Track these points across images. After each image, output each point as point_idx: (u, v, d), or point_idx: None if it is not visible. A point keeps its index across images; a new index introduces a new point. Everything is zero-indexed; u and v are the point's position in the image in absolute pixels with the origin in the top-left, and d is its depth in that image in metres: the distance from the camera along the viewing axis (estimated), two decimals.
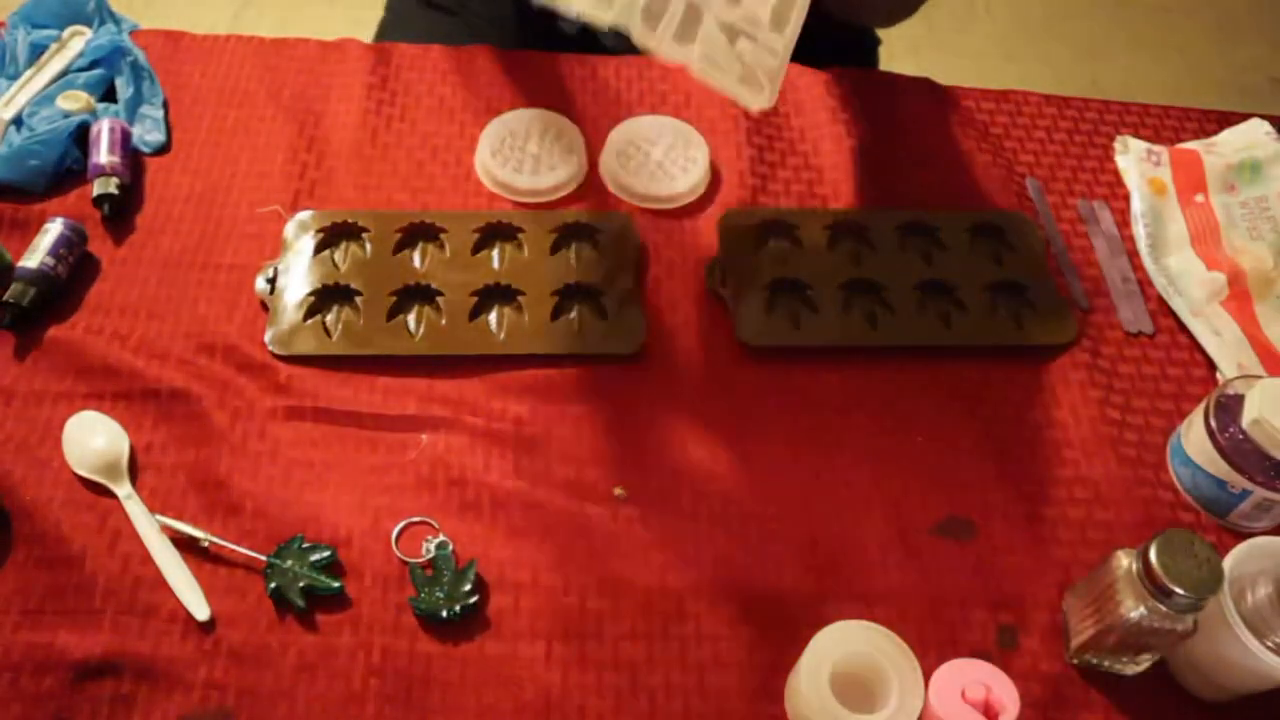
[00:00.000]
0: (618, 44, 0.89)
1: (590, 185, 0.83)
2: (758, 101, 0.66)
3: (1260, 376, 0.69)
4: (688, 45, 0.65)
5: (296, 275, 0.75)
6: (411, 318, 0.74)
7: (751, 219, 0.81)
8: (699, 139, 0.85)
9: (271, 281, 0.75)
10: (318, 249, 0.77)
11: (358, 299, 0.75)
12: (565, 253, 0.78)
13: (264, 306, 0.74)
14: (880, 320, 0.76)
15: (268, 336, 0.72)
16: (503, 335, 0.74)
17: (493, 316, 0.75)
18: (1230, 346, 0.77)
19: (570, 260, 0.78)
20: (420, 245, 0.78)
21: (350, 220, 0.78)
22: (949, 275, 0.78)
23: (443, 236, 0.78)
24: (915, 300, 0.77)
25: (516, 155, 0.82)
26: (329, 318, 0.74)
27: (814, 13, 0.69)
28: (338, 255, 0.77)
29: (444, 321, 0.74)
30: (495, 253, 0.78)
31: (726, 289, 0.77)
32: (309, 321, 0.73)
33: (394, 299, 0.74)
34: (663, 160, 0.84)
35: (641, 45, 0.65)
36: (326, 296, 0.75)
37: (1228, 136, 0.90)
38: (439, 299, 0.75)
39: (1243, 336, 0.77)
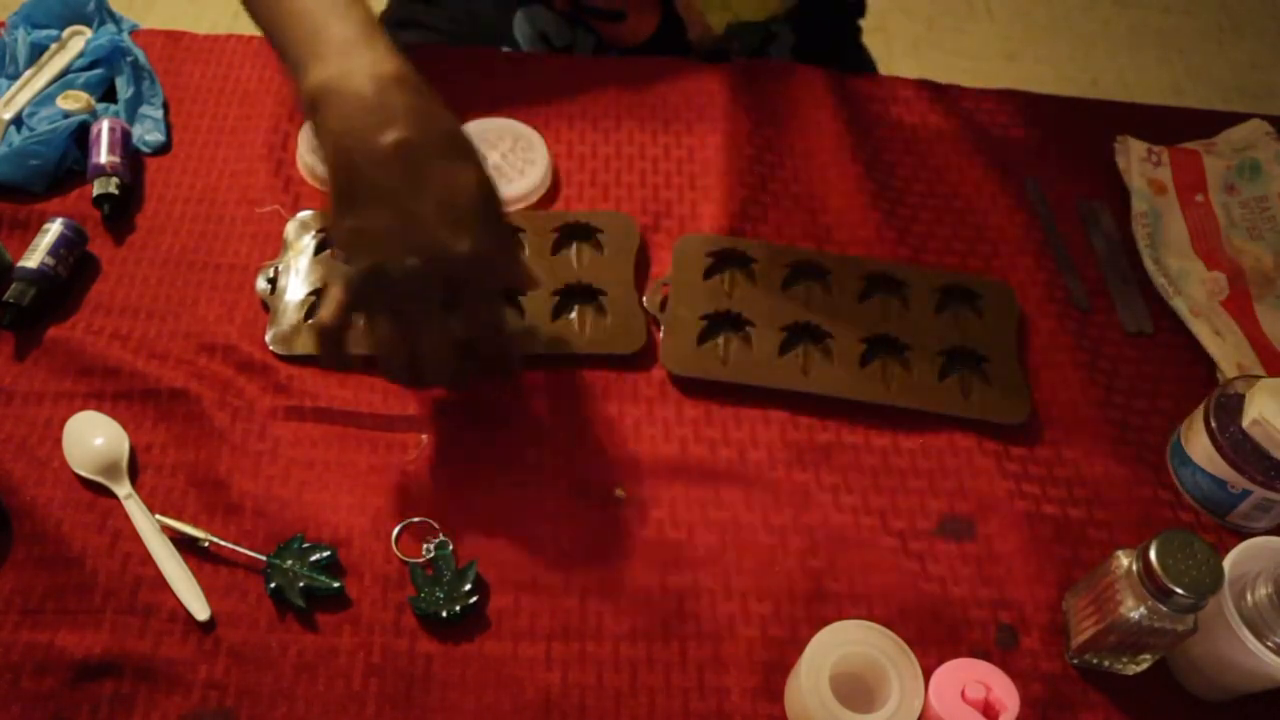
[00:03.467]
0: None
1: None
2: None
3: (1260, 376, 0.69)
4: None
5: (297, 275, 0.75)
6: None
7: (707, 245, 0.78)
8: (539, 141, 0.83)
9: (272, 281, 0.75)
10: (318, 249, 0.76)
11: None
12: (566, 253, 0.78)
13: (265, 306, 0.74)
14: (816, 370, 0.73)
15: (268, 336, 0.72)
16: None
17: None
18: (1230, 346, 0.77)
19: (571, 261, 0.78)
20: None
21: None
22: (903, 334, 0.74)
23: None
24: (860, 354, 0.73)
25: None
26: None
27: None
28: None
29: None
30: None
31: (664, 313, 0.75)
32: (310, 321, 0.73)
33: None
34: (500, 163, 0.82)
35: None
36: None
37: (1228, 136, 0.90)
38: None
39: (1243, 336, 0.77)
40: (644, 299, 0.76)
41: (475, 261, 0.56)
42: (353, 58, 0.59)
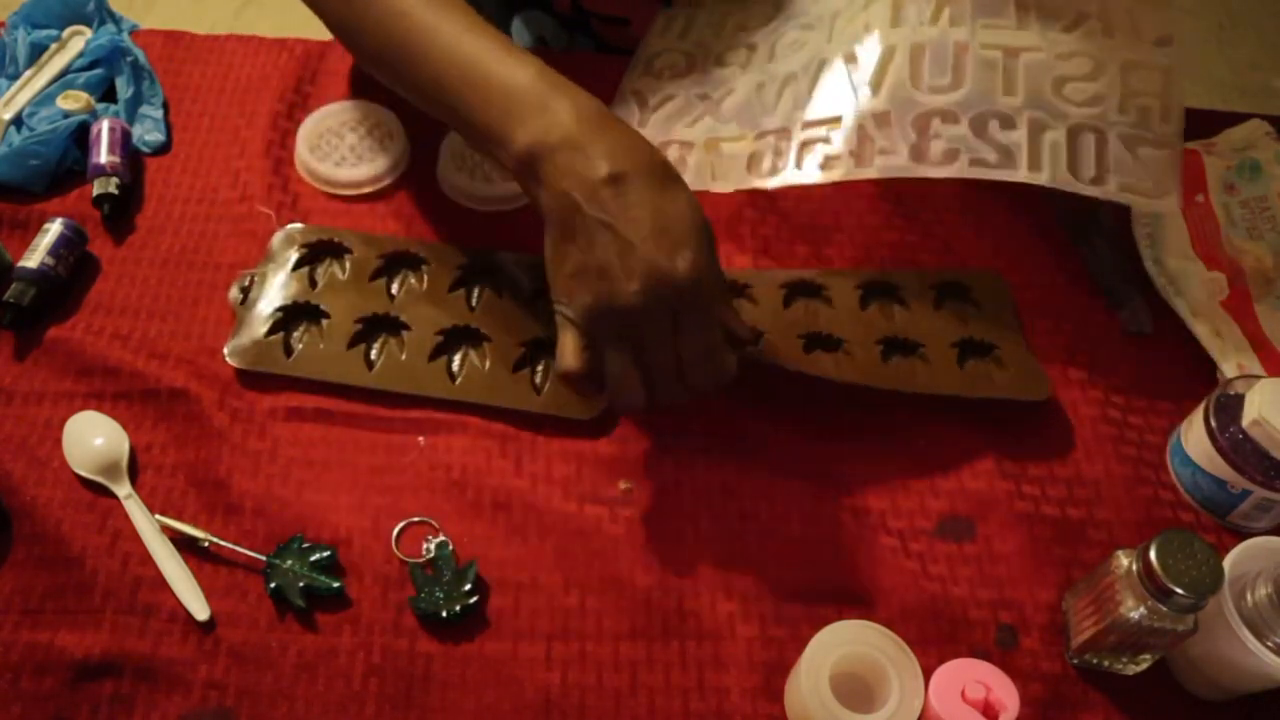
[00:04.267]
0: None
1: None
2: (1168, 204, 0.71)
3: (1260, 376, 0.69)
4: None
5: (271, 288, 0.74)
6: (375, 348, 0.72)
7: None
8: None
9: (246, 290, 0.74)
10: (298, 264, 0.75)
11: (324, 321, 0.73)
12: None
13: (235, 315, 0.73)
14: (841, 364, 0.72)
15: (227, 348, 0.71)
16: (460, 380, 0.71)
17: (456, 359, 0.72)
18: (1230, 346, 0.77)
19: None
20: (401, 274, 0.76)
21: (336, 239, 0.76)
22: (913, 334, 0.74)
23: (424, 268, 0.76)
24: (879, 353, 0.73)
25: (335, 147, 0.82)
26: (295, 335, 0.72)
27: None
28: (318, 273, 0.75)
29: (404, 357, 0.72)
30: (475, 291, 0.75)
31: None
32: (271, 338, 0.71)
33: (359, 326, 0.72)
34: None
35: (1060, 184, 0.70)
36: (295, 314, 0.73)
37: (1228, 136, 0.90)
38: (404, 333, 0.73)
39: (1243, 336, 0.77)
40: None
41: (694, 282, 0.57)
42: (551, 109, 0.60)
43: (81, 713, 0.58)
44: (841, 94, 0.73)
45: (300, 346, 0.72)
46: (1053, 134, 0.71)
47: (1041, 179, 0.70)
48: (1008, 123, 0.71)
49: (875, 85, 0.72)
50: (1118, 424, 0.74)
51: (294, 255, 0.75)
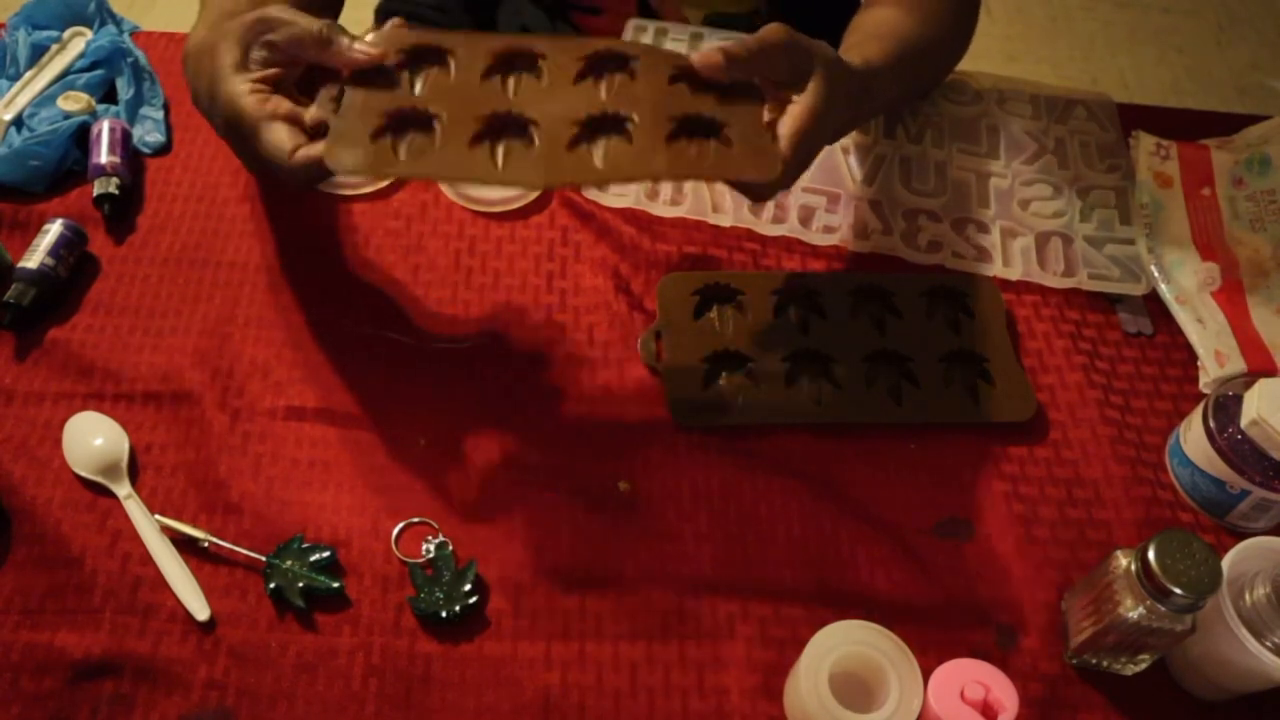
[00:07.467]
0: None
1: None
2: (1138, 289, 0.80)
3: (1257, 376, 0.69)
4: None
5: (362, 97, 0.63)
6: (500, 147, 0.62)
7: (691, 283, 0.76)
8: None
9: (337, 100, 0.63)
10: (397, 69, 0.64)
11: (437, 124, 0.62)
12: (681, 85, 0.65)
13: (316, 133, 0.62)
14: (824, 397, 0.72)
15: (325, 151, 0.60)
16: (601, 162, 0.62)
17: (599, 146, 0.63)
18: (1210, 334, 0.77)
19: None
20: (516, 74, 0.66)
21: (435, 44, 0.66)
22: (902, 345, 0.74)
23: (541, 64, 0.66)
24: (864, 373, 0.73)
25: None
26: (404, 141, 0.62)
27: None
28: (417, 78, 0.65)
29: (536, 149, 0.62)
30: (604, 79, 0.66)
31: (661, 363, 0.73)
32: (380, 141, 0.61)
33: (478, 126, 0.62)
34: None
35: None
36: (400, 121, 0.62)
37: (1246, 134, 0.90)
38: (533, 129, 0.63)
39: (1227, 325, 0.77)
40: (639, 347, 0.74)
41: None
42: None
43: (81, 713, 0.58)
44: (838, 175, 0.84)
45: (412, 150, 0.62)
46: (1023, 240, 0.82)
47: (1014, 274, 0.80)
48: (982, 228, 0.83)
49: (869, 179, 0.84)
50: (1116, 424, 0.74)
51: (391, 61, 0.65)
